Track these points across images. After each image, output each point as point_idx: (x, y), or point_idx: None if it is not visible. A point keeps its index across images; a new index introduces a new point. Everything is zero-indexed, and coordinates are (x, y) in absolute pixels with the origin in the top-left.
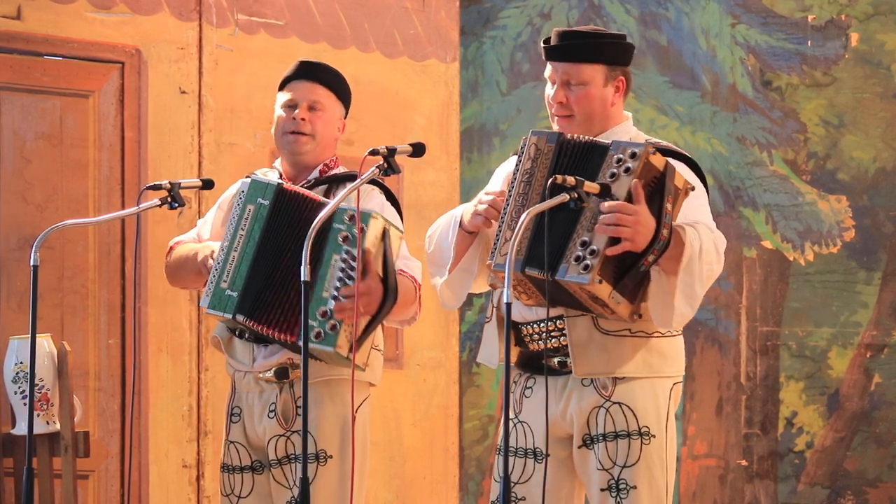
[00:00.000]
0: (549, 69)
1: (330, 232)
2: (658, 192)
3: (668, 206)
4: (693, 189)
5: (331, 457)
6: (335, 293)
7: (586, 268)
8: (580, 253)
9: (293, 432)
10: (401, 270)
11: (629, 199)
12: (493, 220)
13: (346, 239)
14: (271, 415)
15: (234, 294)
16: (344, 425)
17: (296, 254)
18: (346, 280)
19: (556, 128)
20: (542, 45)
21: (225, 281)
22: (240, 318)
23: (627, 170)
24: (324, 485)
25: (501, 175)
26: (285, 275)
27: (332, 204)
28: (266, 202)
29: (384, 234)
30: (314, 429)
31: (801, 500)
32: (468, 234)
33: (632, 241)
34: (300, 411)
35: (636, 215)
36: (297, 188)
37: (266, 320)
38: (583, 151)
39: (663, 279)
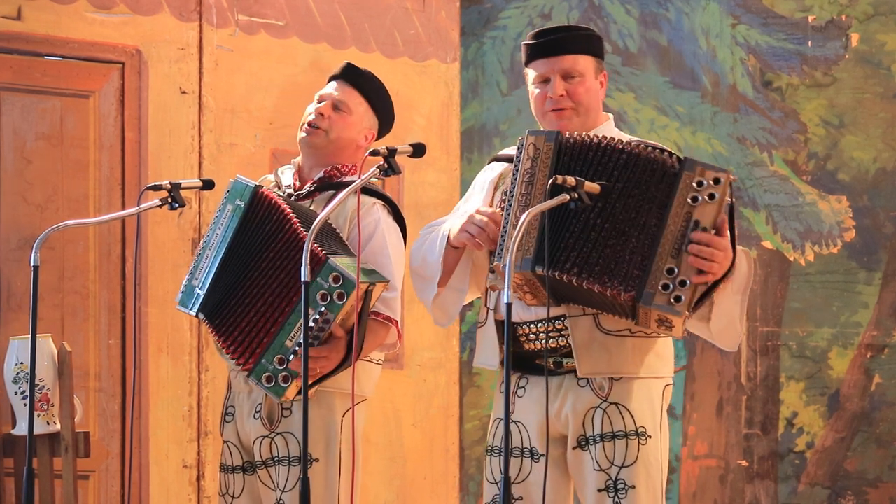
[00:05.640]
0: (534, 72)
1: (313, 283)
2: (730, 216)
3: (736, 230)
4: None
5: (316, 460)
6: (297, 348)
7: (678, 300)
8: (668, 282)
9: (277, 434)
10: (375, 313)
11: (717, 228)
12: (483, 244)
13: (324, 297)
14: (257, 415)
15: (201, 292)
16: (329, 430)
17: (265, 270)
18: (312, 340)
19: (546, 126)
20: (530, 43)
21: (196, 278)
22: (201, 317)
23: (712, 196)
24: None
25: (485, 183)
26: (252, 290)
27: (331, 206)
28: (242, 204)
29: (365, 295)
30: (298, 432)
31: (801, 500)
32: (455, 249)
33: (716, 276)
34: (285, 413)
35: (726, 251)
36: (274, 195)
37: (226, 334)
38: (582, 149)
39: (726, 303)
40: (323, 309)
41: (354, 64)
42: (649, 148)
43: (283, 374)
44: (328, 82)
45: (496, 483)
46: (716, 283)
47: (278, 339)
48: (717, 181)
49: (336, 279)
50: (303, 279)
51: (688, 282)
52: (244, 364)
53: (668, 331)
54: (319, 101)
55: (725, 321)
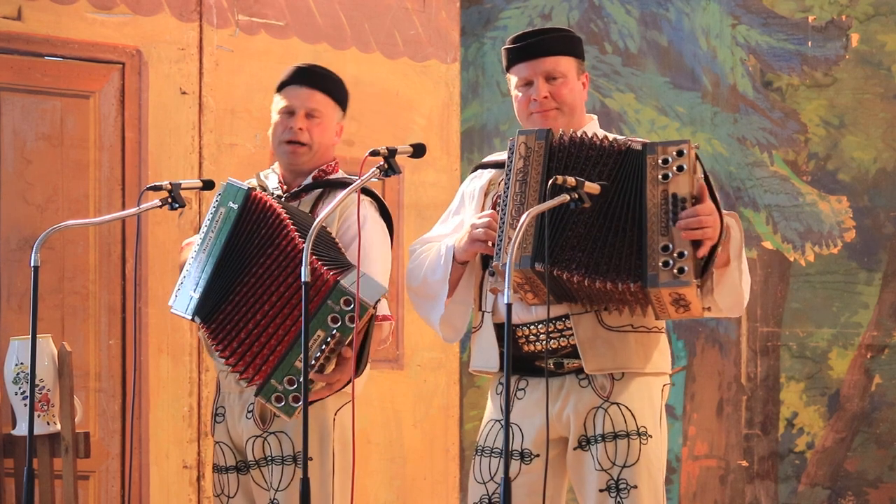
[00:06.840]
0: (515, 77)
1: (323, 306)
2: (706, 182)
3: (716, 193)
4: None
5: (310, 459)
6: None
7: (682, 271)
8: (667, 259)
9: (270, 433)
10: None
11: (696, 196)
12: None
13: (335, 320)
14: (249, 415)
15: (195, 295)
16: (322, 429)
17: (262, 277)
18: (323, 362)
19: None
20: (511, 47)
21: (190, 281)
22: (197, 320)
23: (681, 168)
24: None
25: (474, 192)
26: (249, 299)
27: (327, 210)
28: (235, 206)
29: (371, 315)
30: (291, 431)
31: (801, 500)
32: (460, 265)
33: (712, 240)
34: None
35: (713, 214)
36: (268, 198)
37: (224, 342)
38: (573, 146)
39: (724, 268)
40: (335, 332)
41: (305, 66)
42: (619, 141)
43: (294, 394)
44: (281, 88)
45: (483, 483)
46: (714, 250)
47: (287, 360)
48: (680, 153)
49: (347, 302)
50: (303, 279)
51: (686, 253)
52: (250, 381)
53: (687, 310)
54: (289, 113)
55: (728, 289)
